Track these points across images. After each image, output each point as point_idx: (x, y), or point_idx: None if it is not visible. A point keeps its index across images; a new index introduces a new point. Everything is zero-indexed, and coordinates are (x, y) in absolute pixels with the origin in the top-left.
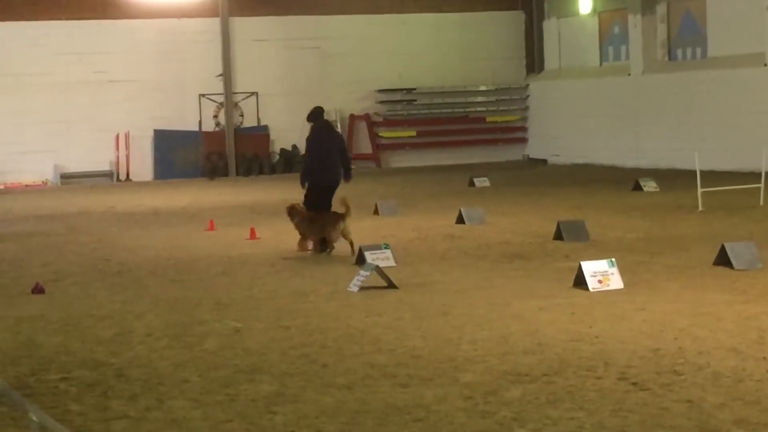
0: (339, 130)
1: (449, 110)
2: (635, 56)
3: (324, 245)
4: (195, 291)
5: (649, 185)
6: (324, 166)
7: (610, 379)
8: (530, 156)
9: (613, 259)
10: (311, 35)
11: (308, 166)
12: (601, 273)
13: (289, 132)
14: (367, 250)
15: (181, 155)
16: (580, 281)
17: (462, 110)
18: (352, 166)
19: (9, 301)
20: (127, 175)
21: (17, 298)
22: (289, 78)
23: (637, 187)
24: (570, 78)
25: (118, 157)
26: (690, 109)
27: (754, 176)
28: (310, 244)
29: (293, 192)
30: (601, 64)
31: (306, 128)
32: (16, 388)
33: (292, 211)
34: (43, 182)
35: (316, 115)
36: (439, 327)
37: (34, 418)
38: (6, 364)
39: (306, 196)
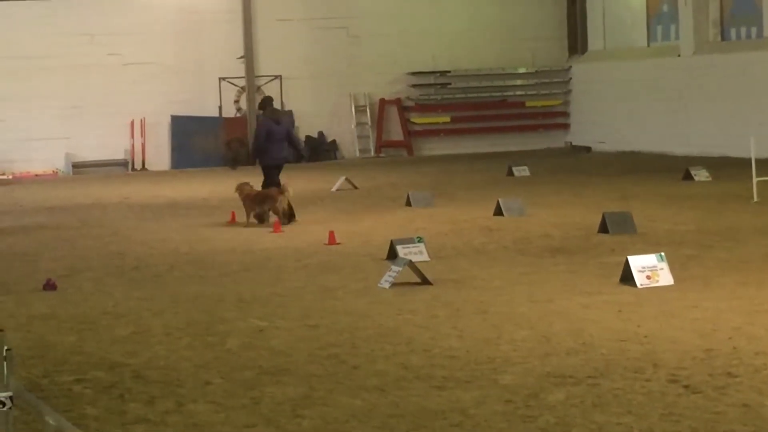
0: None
1: (486, 94)
2: (685, 36)
3: (262, 219)
4: (216, 287)
5: (701, 174)
6: (270, 149)
7: (660, 382)
8: (573, 143)
9: (663, 254)
10: (339, 14)
11: (255, 147)
12: (649, 268)
13: (315, 117)
14: (399, 244)
15: (200, 143)
16: (627, 277)
17: (500, 94)
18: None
19: (19, 298)
20: (143, 163)
21: (28, 295)
22: (315, 60)
23: (688, 176)
24: (615, 59)
25: (133, 144)
26: (744, 93)
27: None
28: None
29: (319, 181)
30: (648, 45)
31: (332, 114)
32: (27, 390)
33: (239, 188)
34: (53, 172)
35: (264, 104)
36: (477, 326)
37: (50, 422)
38: (17, 364)
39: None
